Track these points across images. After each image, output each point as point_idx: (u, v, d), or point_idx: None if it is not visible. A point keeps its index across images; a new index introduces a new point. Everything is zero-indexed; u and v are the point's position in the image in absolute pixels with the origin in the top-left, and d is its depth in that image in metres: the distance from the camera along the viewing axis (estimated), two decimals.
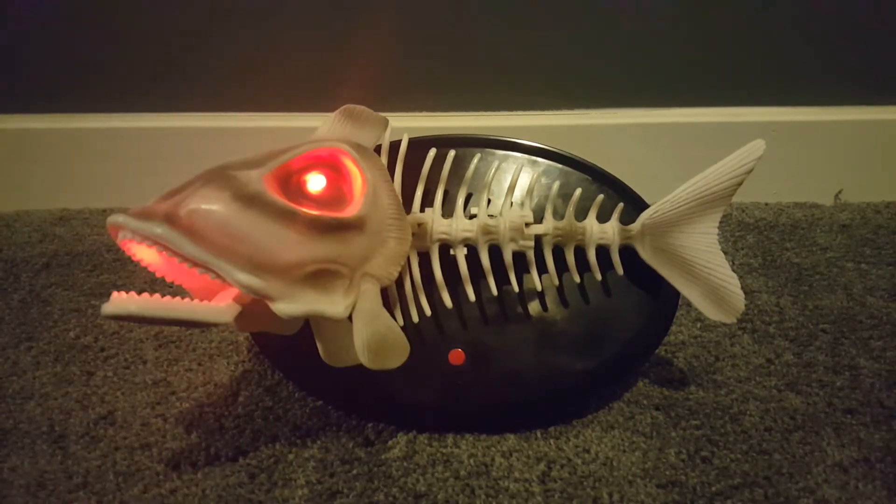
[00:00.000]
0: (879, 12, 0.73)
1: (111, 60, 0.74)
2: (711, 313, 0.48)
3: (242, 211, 0.39)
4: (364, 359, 0.42)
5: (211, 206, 0.39)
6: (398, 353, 0.43)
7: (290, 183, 0.43)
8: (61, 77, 0.74)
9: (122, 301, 0.38)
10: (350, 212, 0.43)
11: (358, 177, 0.45)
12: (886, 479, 0.45)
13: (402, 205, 0.46)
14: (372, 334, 0.42)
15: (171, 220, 0.38)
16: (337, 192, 0.44)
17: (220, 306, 0.40)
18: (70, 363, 0.55)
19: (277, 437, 0.48)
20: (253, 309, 0.42)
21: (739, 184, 0.48)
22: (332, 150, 0.44)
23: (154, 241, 0.38)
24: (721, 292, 0.47)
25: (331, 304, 0.41)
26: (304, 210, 0.41)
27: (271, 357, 0.52)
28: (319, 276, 0.41)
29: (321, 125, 0.50)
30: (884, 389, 0.52)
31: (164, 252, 0.39)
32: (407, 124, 0.75)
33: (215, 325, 0.41)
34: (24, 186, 0.77)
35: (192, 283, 0.43)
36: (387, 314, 0.44)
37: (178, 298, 0.39)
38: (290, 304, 0.40)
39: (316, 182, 0.43)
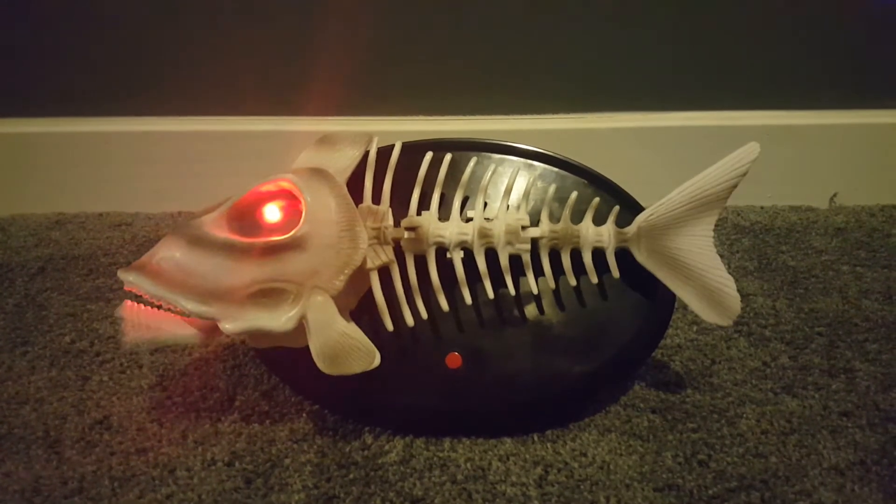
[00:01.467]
0: (874, 17, 0.73)
1: (107, 64, 0.74)
2: (707, 316, 0.48)
3: (192, 251, 0.46)
4: (320, 366, 0.44)
5: (171, 251, 0.46)
6: (358, 357, 0.45)
7: (245, 218, 0.48)
8: (57, 81, 0.74)
9: (137, 334, 0.50)
10: (285, 233, 0.46)
11: (301, 200, 0.48)
12: (882, 482, 0.45)
13: (357, 217, 0.48)
14: (323, 342, 0.44)
15: (141, 268, 0.46)
16: (295, 217, 0.47)
17: (184, 324, 0.48)
18: (65, 368, 0.55)
19: (274, 442, 0.48)
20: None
21: (734, 187, 0.48)
22: (276, 181, 0.48)
23: (131, 287, 0.46)
24: (717, 295, 0.48)
25: (271, 318, 0.45)
26: (239, 240, 0.46)
27: (267, 361, 0.52)
28: (264, 295, 0.45)
29: (300, 156, 0.52)
30: (879, 392, 0.52)
31: (132, 300, 0.47)
32: (403, 128, 0.76)
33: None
34: (19, 190, 0.77)
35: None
36: (343, 322, 0.45)
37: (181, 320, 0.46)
38: (234, 323, 0.44)
39: (271, 213, 0.48)
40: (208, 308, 0.45)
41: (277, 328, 0.44)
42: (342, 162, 0.51)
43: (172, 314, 0.46)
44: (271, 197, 0.48)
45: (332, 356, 0.44)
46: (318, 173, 0.49)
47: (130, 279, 0.45)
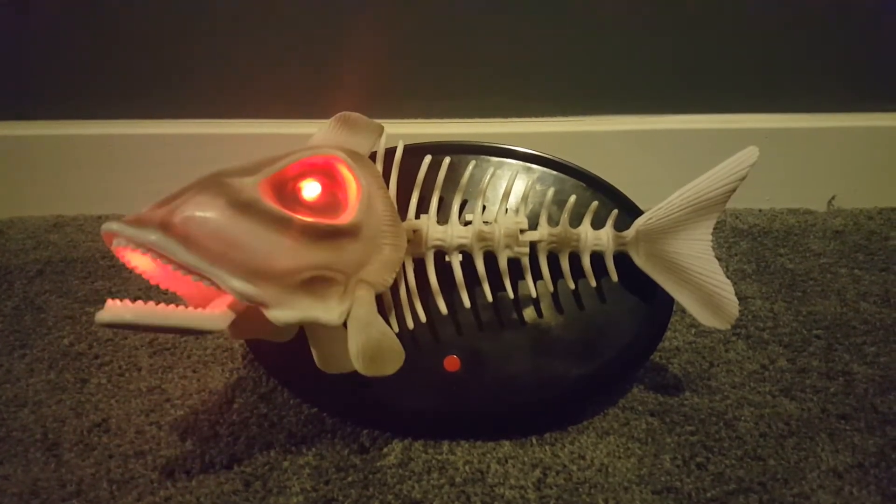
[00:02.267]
0: (872, 19, 0.73)
1: (106, 67, 0.74)
2: (706, 319, 0.48)
3: (237, 218, 0.39)
4: (358, 365, 0.42)
5: (206, 213, 0.39)
6: (393, 359, 0.43)
7: (286, 190, 0.43)
8: (55, 83, 0.74)
9: (116, 309, 0.38)
10: (345, 219, 0.43)
11: (353, 183, 0.45)
12: (880, 485, 0.45)
13: (397, 211, 0.46)
14: (366, 341, 0.42)
15: (165, 227, 0.38)
16: (332, 199, 0.44)
17: (215, 314, 0.40)
18: (64, 370, 0.55)
19: (272, 445, 0.48)
20: (247, 316, 0.42)
21: (733, 190, 0.48)
22: (328, 157, 0.44)
23: (148, 249, 0.38)
24: (715, 298, 0.48)
25: (325, 310, 0.41)
26: (299, 217, 0.41)
27: (266, 364, 0.52)
28: (314, 283, 0.41)
29: (316, 132, 0.50)
30: (877, 395, 0.52)
31: (158, 259, 0.38)
32: (402, 131, 0.75)
33: (210, 332, 0.41)
34: (18, 193, 0.77)
35: (186, 291, 0.43)
36: (381, 321, 0.43)
37: (172, 306, 0.39)
38: (285, 311, 0.40)
39: (311, 189, 0.43)
40: (257, 290, 0.39)
41: (332, 322, 0.41)
42: (364, 148, 0.49)
43: (164, 306, 0.39)
44: (316, 171, 0.44)
45: (373, 356, 0.42)
46: (362, 159, 0.46)
47: (152, 239, 0.38)
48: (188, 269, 0.38)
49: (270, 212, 0.40)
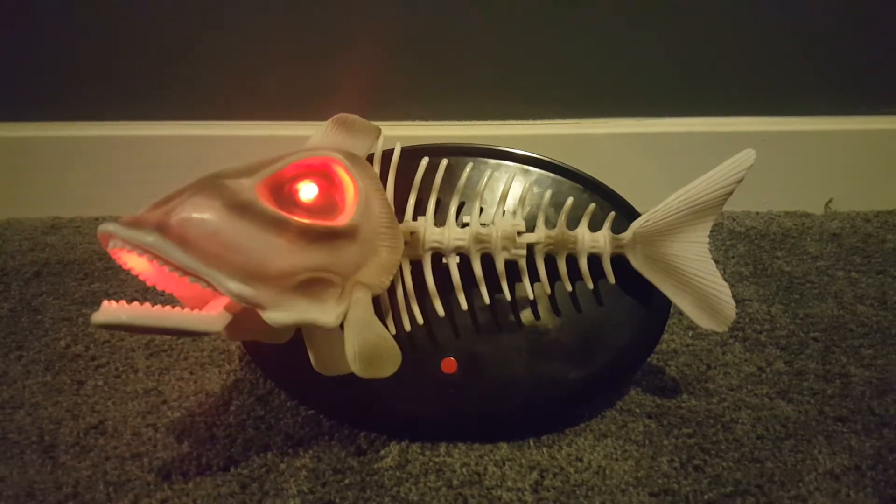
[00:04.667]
0: (869, 23, 0.74)
1: (103, 69, 0.74)
2: (703, 322, 0.48)
3: (234, 219, 0.39)
4: (355, 367, 0.42)
5: (203, 214, 0.39)
6: (390, 361, 0.43)
7: (283, 191, 0.43)
8: (53, 85, 0.74)
9: (112, 310, 0.38)
10: (342, 220, 0.43)
11: (350, 185, 0.45)
12: (878, 487, 0.45)
13: (394, 214, 0.46)
14: (363, 343, 0.42)
15: (162, 228, 0.38)
16: (329, 201, 0.44)
17: (212, 315, 0.40)
18: (60, 372, 0.55)
19: (269, 447, 0.48)
20: (244, 318, 0.42)
21: (730, 193, 0.48)
22: (325, 159, 0.44)
23: (145, 250, 0.38)
24: (712, 301, 0.48)
25: (322, 312, 0.41)
26: (296, 219, 0.41)
27: (263, 366, 0.52)
28: (311, 285, 0.41)
29: (314, 134, 0.50)
30: (874, 397, 0.52)
31: (154, 261, 0.38)
32: (399, 133, 0.75)
33: (206, 333, 0.41)
34: (15, 194, 0.76)
35: (183, 292, 0.43)
36: (378, 323, 0.43)
37: (168, 307, 0.39)
38: (282, 313, 0.40)
39: (308, 190, 0.43)
40: (254, 292, 0.39)
41: (328, 324, 0.41)
42: (362, 149, 0.49)
43: (160, 307, 0.39)
44: (313, 172, 0.44)
45: (370, 358, 0.42)
46: (360, 161, 0.46)
47: (149, 240, 0.38)
48: (185, 271, 0.38)
49: (267, 213, 0.40)
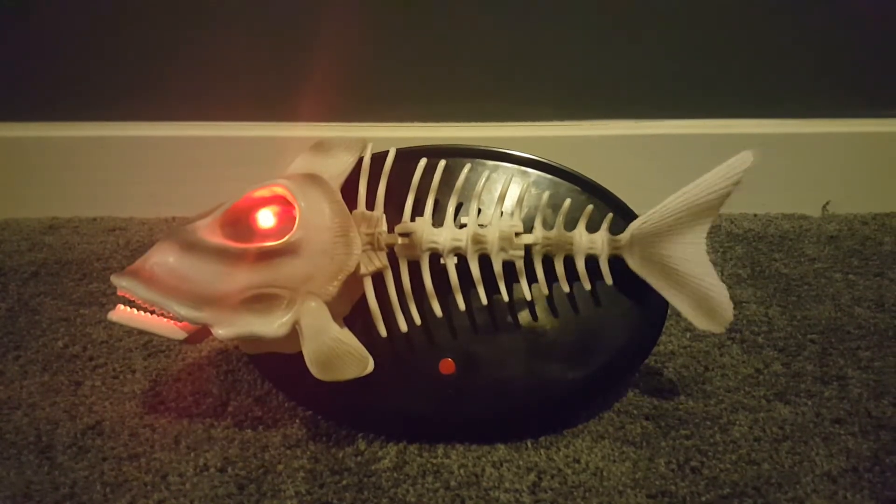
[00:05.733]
0: (867, 26, 0.74)
1: (102, 69, 0.74)
2: (700, 323, 0.48)
3: (186, 256, 0.46)
4: (313, 371, 0.44)
5: (163, 256, 0.47)
6: (351, 363, 0.45)
7: (240, 223, 0.48)
8: (51, 85, 0.74)
9: (119, 313, 0.48)
10: (277, 239, 0.47)
11: (295, 206, 0.48)
12: (874, 489, 0.45)
13: (351, 223, 0.48)
14: (316, 348, 0.44)
15: (134, 273, 0.47)
16: (289, 223, 0.47)
17: (174, 327, 0.48)
18: (58, 373, 0.55)
19: (267, 448, 0.48)
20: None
21: (728, 195, 0.48)
22: (269, 187, 0.48)
23: (124, 292, 0.46)
24: (710, 302, 0.48)
25: (264, 324, 0.45)
26: (234, 245, 0.47)
27: (261, 367, 0.52)
28: (257, 301, 0.45)
29: (294, 161, 0.52)
30: (871, 399, 0.52)
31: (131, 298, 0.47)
32: (398, 135, 0.76)
33: (173, 340, 0.49)
34: (13, 194, 0.76)
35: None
36: (336, 328, 0.45)
37: (148, 314, 0.47)
38: (227, 329, 0.45)
39: (265, 218, 0.48)
40: (201, 313, 0.45)
41: (270, 334, 0.45)
42: (337, 168, 0.51)
43: (165, 318, 0.47)
44: (265, 202, 0.49)
45: (326, 362, 0.44)
46: (313, 179, 0.49)
47: (124, 284, 0.46)
48: (148, 303, 0.46)
49: (210, 246, 0.47)
